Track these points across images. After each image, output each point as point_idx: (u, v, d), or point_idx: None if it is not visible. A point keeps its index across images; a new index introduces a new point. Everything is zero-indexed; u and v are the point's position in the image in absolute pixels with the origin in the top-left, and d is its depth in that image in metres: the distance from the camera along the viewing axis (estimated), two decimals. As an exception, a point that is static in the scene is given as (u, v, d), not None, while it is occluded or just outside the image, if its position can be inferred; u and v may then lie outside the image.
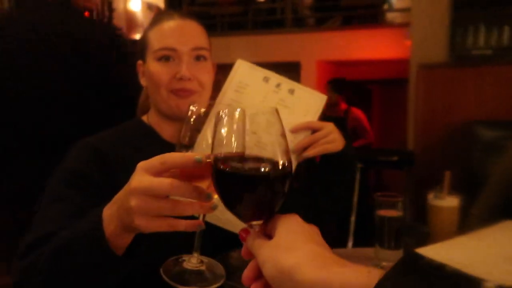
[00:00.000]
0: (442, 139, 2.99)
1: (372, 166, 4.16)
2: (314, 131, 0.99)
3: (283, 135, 0.49)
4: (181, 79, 0.94)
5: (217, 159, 0.49)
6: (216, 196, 0.61)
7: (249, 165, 0.48)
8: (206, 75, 0.98)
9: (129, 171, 0.88)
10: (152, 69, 0.96)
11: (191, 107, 0.64)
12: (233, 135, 0.48)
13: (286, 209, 0.51)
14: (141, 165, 0.58)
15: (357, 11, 6.40)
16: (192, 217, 0.62)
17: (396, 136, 5.83)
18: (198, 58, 0.97)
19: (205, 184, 0.60)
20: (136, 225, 0.57)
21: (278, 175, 0.48)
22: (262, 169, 0.48)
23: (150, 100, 1.04)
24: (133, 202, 0.56)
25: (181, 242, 0.68)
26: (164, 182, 0.56)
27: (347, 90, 4.33)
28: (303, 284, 0.41)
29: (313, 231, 0.48)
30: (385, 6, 6.38)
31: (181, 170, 0.58)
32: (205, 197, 0.57)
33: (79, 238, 0.65)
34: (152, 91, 0.99)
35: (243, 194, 0.49)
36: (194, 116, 0.63)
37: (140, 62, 1.02)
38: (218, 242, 0.93)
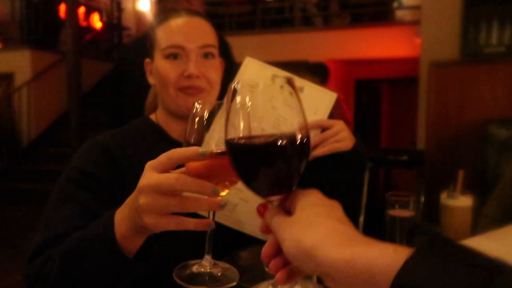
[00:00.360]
0: (454, 138, 2.95)
1: (382, 166, 4.12)
2: (323, 129, 0.98)
3: (301, 107, 0.48)
4: (189, 77, 0.93)
5: (232, 133, 0.48)
6: (224, 193, 0.61)
7: (266, 137, 0.47)
8: (214, 73, 0.97)
9: (137, 169, 0.88)
10: (160, 67, 0.96)
11: (196, 104, 0.64)
12: (248, 111, 0.48)
13: None
14: (149, 163, 0.59)
15: (366, 9, 6.36)
16: (202, 218, 0.61)
17: (406, 135, 5.78)
18: (206, 55, 0.96)
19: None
20: (145, 224, 0.57)
21: (297, 146, 0.47)
22: (280, 141, 0.46)
23: (158, 98, 1.03)
24: (142, 200, 0.57)
25: (192, 242, 0.67)
26: (170, 177, 0.56)
27: (325, 73, 4.24)
28: (326, 263, 0.39)
29: (335, 207, 0.46)
30: (395, 4, 6.33)
31: (188, 170, 0.58)
32: (212, 191, 0.56)
33: (90, 240, 0.65)
34: (160, 89, 0.98)
35: (261, 166, 0.47)
36: (198, 114, 0.63)
37: (147, 60, 1.01)
38: (228, 242, 0.92)
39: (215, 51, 0.98)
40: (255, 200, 0.92)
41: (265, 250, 0.48)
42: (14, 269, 3.32)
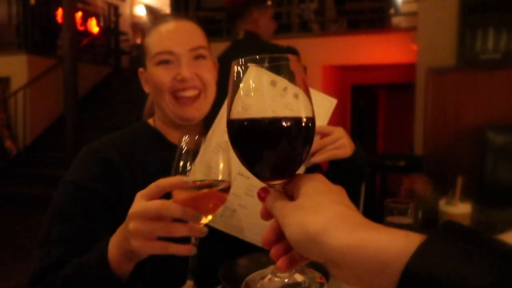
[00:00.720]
0: (451, 144, 2.96)
1: (379, 171, 4.12)
2: (323, 136, 0.97)
3: (306, 91, 0.47)
4: (182, 80, 0.93)
5: (235, 114, 0.47)
6: (205, 220, 0.66)
7: (269, 118, 0.45)
8: (208, 73, 0.97)
9: (136, 173, 0.90)
10: (153, 74, 0.95)
11: (184, 138, 0.69)
12: (252, 93, 0.47)
13: None
14: (140, 193, 0.64)
15: (362, 15, 6.39)
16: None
17: (402, 140, 5.79)
18: (197, 57, 0.96)
19: None
20: (132, 247, 0.63)
21: (302, 127, 0.46)
22: (284, 122, 0.45)
23: (155, 106, 1.03)
24: (131, 225, 0.62)
25: (185, 261, 0.70)
26: (156, 203, 0.62)
27: None
28: (333, 249, 0.36)
29: (340, 192, 0.45)
30: (391, 11, 6.37)
31: (174, 198, 0.64)
32: (193, 217, 0.62)
33: (87, 268, 0.71)
34: (156, 97, 0.98)
35: (263, 146, 0.45)
36: (186, 147, 0.68)
37: (141, 70, 1.01)
38: (226, 249, 0.91)
39: (205, 52, 0.98)
40: (253, 206, 0.91)
41: (266, 236, 0.46)
42: (9, 273, 3.29)
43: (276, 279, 0.50)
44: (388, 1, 6.25)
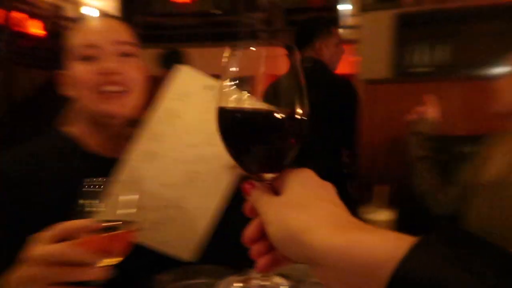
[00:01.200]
0: (386, 153, 3.10)
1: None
2: None
3: (301, 82, 0.46)
4: (106, 73, 0.87)
5: (224, 103, 0.45)
6: (111, 262, 0.63)
7: (260, 108, 0.43)
8: (135, 72, 0.92)
9: (45, 187, 0.84)
10: (75, 71, 0.89)
11: (88, 180, 0.66)
12: (243, 79, 0.45)
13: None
14: (39, 234, 0.61)
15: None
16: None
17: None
18: (124, 55, 0.91)
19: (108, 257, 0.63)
20: None
21: (293, 119, 0.44)
22: (275, 113, 0.42)
23: (76, 109, 0.97)
24: (30, 270, 0.59)
25: None
26: (59, 247, 0.59)
27: (180, 62, 4.10)
28: (315, 249, 0.34)
29: (328, 188, 0.42)
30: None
31: (80, 241, 0.61)
32: (98, 260, 0.60)
33: None
34: (79, 95, 0.92)
35: (251, 137, 0.43)
36: (90, 187, 0.66)
37: (59, 72, 0.96)
38: (154, 263, 0.90)
39: (133, 50, 0.93)
40: (181, 218, 0.90)
41: (248, 233, 0.43)
42: None
43: (253, 281, 0.47)
44: (333, 13, 6.49)
